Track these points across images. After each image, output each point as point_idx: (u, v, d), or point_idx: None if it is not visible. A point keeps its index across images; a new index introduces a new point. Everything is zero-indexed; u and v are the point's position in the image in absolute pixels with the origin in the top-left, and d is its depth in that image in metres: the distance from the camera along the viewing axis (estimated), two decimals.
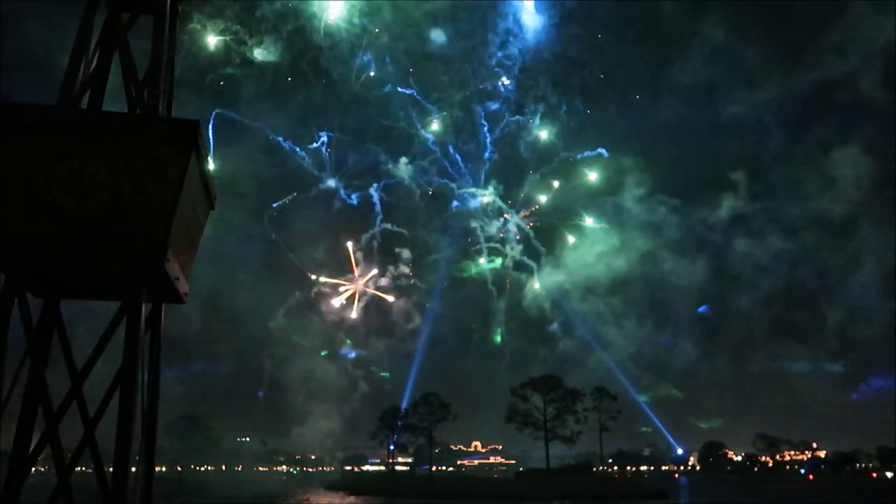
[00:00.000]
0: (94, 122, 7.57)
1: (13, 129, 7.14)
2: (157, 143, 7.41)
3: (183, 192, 7.44)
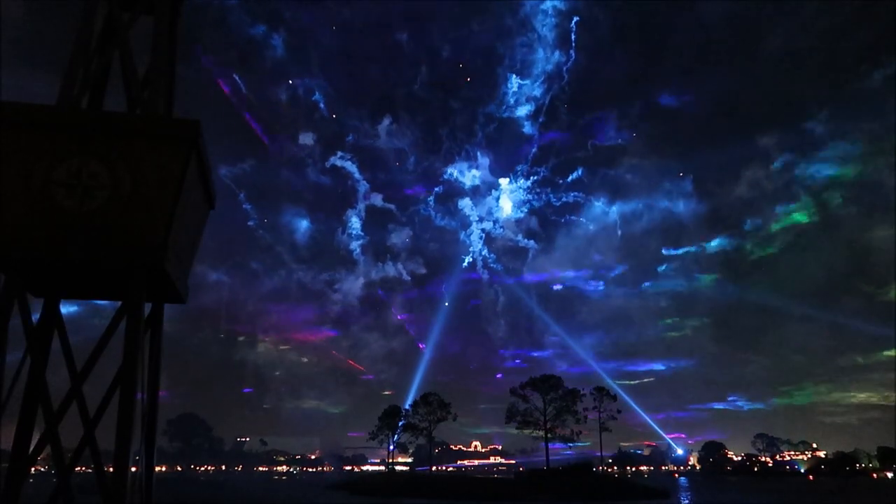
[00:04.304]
0: (94, 122, 7.56)
1: (13, 129, 7.14)
2: (157, 143, 7.41)
3: (183, 192, 7.43)
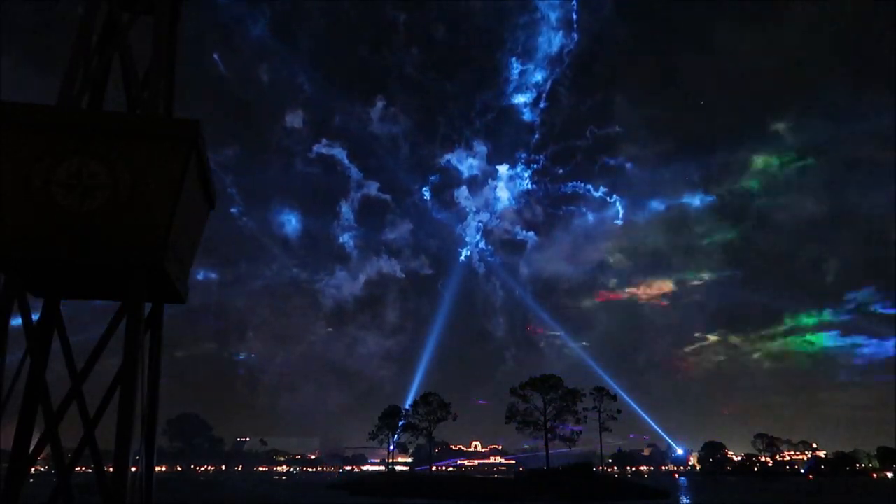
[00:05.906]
0: (94, 122, 7.56)
1: (13, 129, 7.14)
2: (157, 143, 7.42)
3: (183, 192, 7.44)
